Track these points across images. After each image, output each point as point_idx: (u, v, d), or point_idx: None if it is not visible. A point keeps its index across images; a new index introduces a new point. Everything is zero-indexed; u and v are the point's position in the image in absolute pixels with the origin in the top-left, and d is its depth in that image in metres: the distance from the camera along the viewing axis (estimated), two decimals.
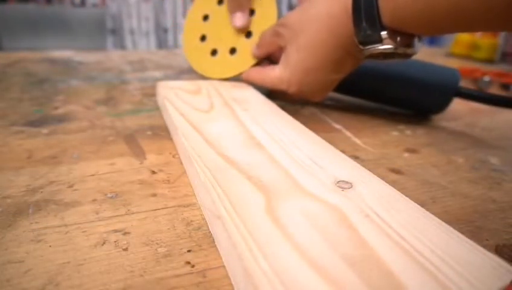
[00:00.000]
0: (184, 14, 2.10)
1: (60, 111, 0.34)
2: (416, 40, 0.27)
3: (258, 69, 0.36)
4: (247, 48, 0.38)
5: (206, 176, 0.19)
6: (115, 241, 0.17)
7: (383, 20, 0.26)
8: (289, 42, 0.32)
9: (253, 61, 0.37)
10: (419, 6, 0.24)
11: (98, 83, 0.43)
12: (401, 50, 0.27)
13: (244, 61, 0.38)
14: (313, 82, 0.33)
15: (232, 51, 0.39)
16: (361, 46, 0.28)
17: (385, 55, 0.28)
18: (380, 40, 0.26)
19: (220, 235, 0.16)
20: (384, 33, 0.26)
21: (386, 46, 0.26)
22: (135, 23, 2.11)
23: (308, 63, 0.32)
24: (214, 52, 0.40)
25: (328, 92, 0.35)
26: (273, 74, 0.34)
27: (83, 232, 0.17)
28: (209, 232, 0.18)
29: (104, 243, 0.17)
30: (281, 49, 0.34)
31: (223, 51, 0.39)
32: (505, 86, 0.54)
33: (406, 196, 0.18)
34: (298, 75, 0.32)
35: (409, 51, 0.27)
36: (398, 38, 0.26)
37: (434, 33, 0.26)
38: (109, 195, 0.21)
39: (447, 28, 0.24)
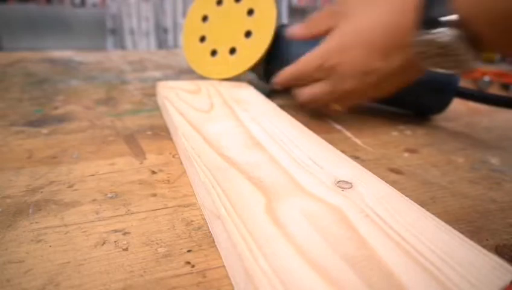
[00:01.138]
0: (184, 14, 2.10)
1: (60, 111, 0.34)
2: (473, 55, 0.26)
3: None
4: (247, 48, 0.38)
5: (206, 176, 0.19)
6: (115, 241, 0.17)
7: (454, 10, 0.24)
8: (341, 21, 0.31)
9: (253, 61, 0.37)
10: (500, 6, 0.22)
11: (98, 83, 0.43)
12: (459, 48, 0.25)
13: (244, 61, 0.38)
14: (353, 61, 0.30)
15: (232, 51, 0.39)
16: (420, 29, 0.26)
17: (438, 55, 0.26)
18: (445, 25, 0.24)
19: (220, 235, 0.16)
20: (453, 17, 0.24)
21: (449, 33, 0.24)
22: (135, 23, 2.11)
23: (353, 39, 0.30)
24: (213, 53, 0.40)
25: (364, 94, 0.32)
26: (314, 52, 0.32)
27: (83, 232, 0.17)
28: (209, 232, 0.18)
29: (104, 243, 0.17)
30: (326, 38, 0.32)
31: (222, 51, 0.39)
32: (505, 86, 0.54)
33: (406, 196, 0.18)
34: (341, 47, 0.30)
35: (465, 56, 0.25)
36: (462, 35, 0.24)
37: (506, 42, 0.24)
38: (109, 195, 0.21)
39: None
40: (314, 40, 0.41)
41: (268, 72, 0.41)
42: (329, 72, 0.31)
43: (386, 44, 0.29)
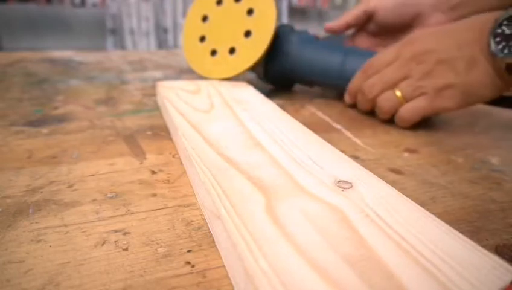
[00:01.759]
0: (184, 14, 2.10)
1: (60, 111, 0.34)
2: None
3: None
4: (247, 48, 0.38)
5: (206, 176, 0.19)
6: (115, 241, 0.17)
7: None
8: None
9: (253, 61, 0.37)
10: None
11: (98, 83, 0.43)
12: None
13: (243, 61, 0.38)
14: (427, 43, 0.31)
15: (232, 51, 0.39)
16: (493, 41, 0.27)
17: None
18: None
19: (220, 235, 0.16)
20: None
21: None
22: (135, 23, 2.11)
23: (424, 32, 0.32)
24: (213, 53, 0.40)
25: (451, 99, 0.31)
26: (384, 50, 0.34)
27: (83, 232, 0.17)
28: (209, 232, 0.18)
29: (104, 243, 0.17)
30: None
31: (222, 51, 0.39)
32: None
33: (406, 196, 0.18)
34: (413, 37, 0.32)
35: None
36: None
37: None
38: (109, 195, 0.21)
39: None
40: (316, 42, 0.41)
41: (268, 72, 0.41)
42: (409, 63, 0.32)
43: (469, 53, 0.29)
